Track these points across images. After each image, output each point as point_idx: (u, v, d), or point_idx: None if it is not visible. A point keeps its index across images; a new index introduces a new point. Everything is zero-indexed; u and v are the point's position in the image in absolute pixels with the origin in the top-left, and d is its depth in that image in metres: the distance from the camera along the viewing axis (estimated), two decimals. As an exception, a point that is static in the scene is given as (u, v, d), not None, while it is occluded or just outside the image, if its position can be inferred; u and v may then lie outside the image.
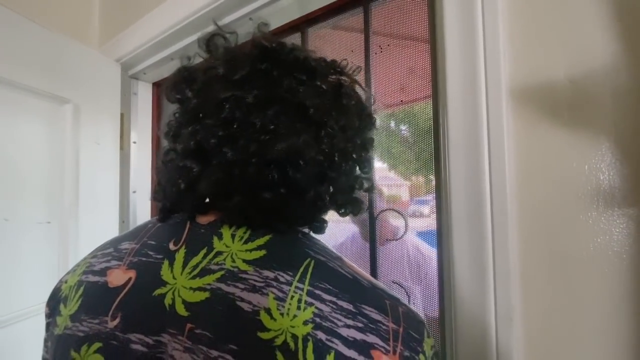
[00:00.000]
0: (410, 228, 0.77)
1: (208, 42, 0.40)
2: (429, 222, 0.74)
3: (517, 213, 0.46)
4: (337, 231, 0.92)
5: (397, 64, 0.79)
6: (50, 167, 0.97)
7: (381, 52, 0.81)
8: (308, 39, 0.95)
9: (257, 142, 0.33)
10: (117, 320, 0.32)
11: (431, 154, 0.77)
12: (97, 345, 0.31)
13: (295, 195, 0.34)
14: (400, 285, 0.80)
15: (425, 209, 0.80)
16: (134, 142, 1.30)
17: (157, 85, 1.37)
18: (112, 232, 1.18)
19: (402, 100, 0.80)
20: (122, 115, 1.24)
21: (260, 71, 0.35)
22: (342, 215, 0.40)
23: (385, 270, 0.80)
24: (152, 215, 1.36)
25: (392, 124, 0.82)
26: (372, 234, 0.79)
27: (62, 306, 0.36)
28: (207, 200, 0.37)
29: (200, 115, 0.36)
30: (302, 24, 0.93)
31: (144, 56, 1.18)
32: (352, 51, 0.87)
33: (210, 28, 0.97)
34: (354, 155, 0.38)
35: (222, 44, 0.39)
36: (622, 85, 0.41)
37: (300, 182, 0.33)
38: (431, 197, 0.71)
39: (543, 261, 0.44)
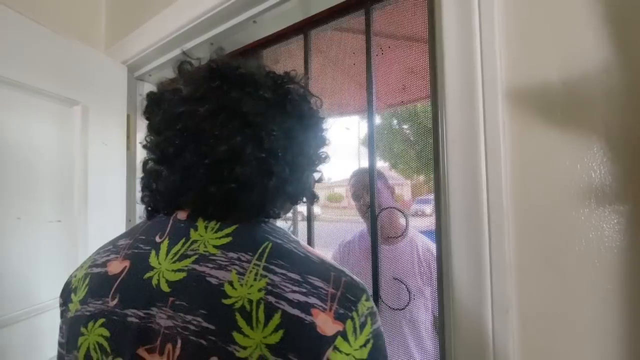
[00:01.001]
0: (412, 226, 0.79)
1: (179, 67, 0.48)
2: (430, 221, 0.76)
3: (513, 210, 0.48)
4: (347, 229, 0.94)
5: (397, 65, 0.81)
6: (60, 167, 1.00)
7: (382, 53, 0.83)
8: (311, 40, 0.97)
9: (206, 146, 0.40)
10: (116, 300, 0.39)
11: (431, 153, 0.79)
12: (101, 320, 0.39)
13: (244, 189, 0.40)
14: (401, 282, 0.82)
15: (427, 208, 0.82)
16: (140, 143, 1.33)
17: (162, 87, 1.39)
18: (119, 230, 1.21)
19: (402, 101, 0.82)
20: (128, 116, 1.27)
21: (213, 88, 0.42)
22: (293, 203, 0.48)
23: (394, 269, 0.82)
24: (157, 214, 1.39)
25: (395, 123, 0.84)
26: (373, 233, 0.81)
27: (73, 295, 0.44)
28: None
29: (163, 128, 0.43)
30: (305, 26, 0.95)
31: (150, 58, 1.20)
32: (354, 52, 0.89)
33: (216, 31, 0.99)
34: (298, 151, 0.44)
35: (188, 68, 0.47)
36: (613, 87, 0.42)
37: (245, 176, 0.40)
38: (431, 197, 0.73)
39: (537, 256, 0.46)
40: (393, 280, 0.83)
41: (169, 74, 1.35)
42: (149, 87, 1.36)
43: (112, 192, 1.18)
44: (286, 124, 0.43)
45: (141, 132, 1.33)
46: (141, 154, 1.33)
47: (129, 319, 0.38)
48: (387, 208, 0.85)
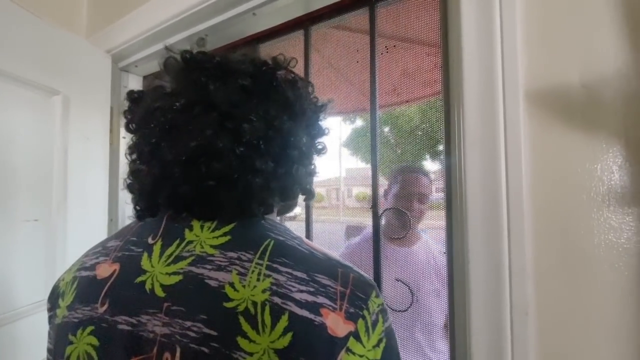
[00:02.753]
0: (419, 227, 0.78)
1: (164, 63, 0.44)
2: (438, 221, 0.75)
3: (532, 211, 0.48)
4: (355, 231, 0.93)
5: (403, 64, 0.81)
6: (38, 162, 0.92)
7: (387, 52, 0.82)
8: (312, 36, 0.94)
9: (179, 142, 0.37)
10: (106, 306, 0.37)
11: (436, 152, 0.79)
12: (90, 328, 0.37)
13: (224, 186, 0.38)
14: (403, 283, 0.81)
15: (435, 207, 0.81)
16: (124, 137, 1.25)
17: (147, 79, 1.32)
18: (100, 230, 1.13)
19: (407, 99, 0.81)
20: (111, 109, 1.19)
21: (192, 81, 0.40)
22: (285, 200, 0.44)
23: (408, 272, 0.81)
24: (141, 214, 1.32)
25: (400, 122, 0.83)
26: (376, 233, 0.80)
27: (60, 300, 0.42)
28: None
29: (139, 126, 0.42)
30: (306, 21, 0.93)
31: (136, 49, 1.14)
32: (358, 51, 0.87)
33: (213, 22, 0.95)
34: (283, 142, 0.41)
35: (172, 63, 0.43)
36: (633, 91, 0.43)
37: (221, 172, 0.37)
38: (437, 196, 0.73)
39: (557, 257, 0.46)
40: (395, 282, 0.82)
41: (157, 65, 1.29)
42: (134, 78, 1.29)
43: (94, 190, 1.11)
44: (269, 114, 0.40)
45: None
46: (125, 150, 1.26)
47: (120, 326, 0.35)
48: (389, 209, 0.84)
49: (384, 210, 0.82)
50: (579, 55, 0.46)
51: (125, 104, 0.46)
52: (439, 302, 0.79)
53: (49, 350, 0.43)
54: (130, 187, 0.43)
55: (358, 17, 0.88)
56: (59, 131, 0.97)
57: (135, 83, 1.29)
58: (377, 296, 0.36)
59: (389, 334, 0.36)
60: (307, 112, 0.45)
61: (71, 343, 0.37)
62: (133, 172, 0.42)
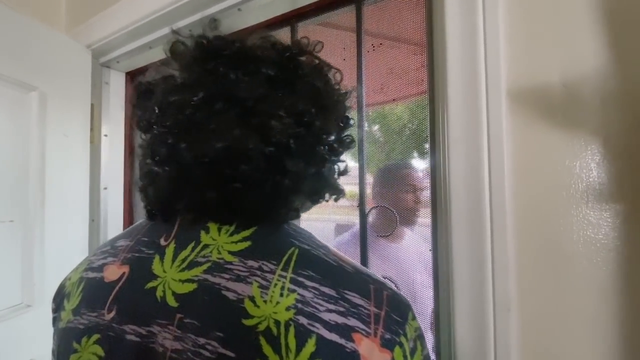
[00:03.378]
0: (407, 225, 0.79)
1: (171, 48, 0.40)
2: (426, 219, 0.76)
3: (514, 208, 0.48)
4: (340, 227, 0.92)
5: (389, 63, 0.81)
6: (13, 160, 0.88)
7: (374, 50, 0.82)
8: (298, 33, 0.93)
9: (201, 142, 0.33)
10: (113, 312, 0.34)
11: (423, 150, 0.79)
12: (95, 336, 0.34)
13: (252, 189, 0.34)
14: (391, 280, 0.81)
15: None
16: (105, 135, 1.22)
17: (130, 75, 1.29)
18: (80, 231, 1.10)
19: (394, 98, 0.81)
20: (92, 106, 1.15)
21: (208, 71, 0.35)
22: (315, 202, 0.41)
23: (395, 269, 0.81)
24: (124, 214, 1.29)
25: (388, 121, 0.84)
26: (363, 231, 0.80)
27: (65, 302, 0.39)
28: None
29: (152, 124, 0.37)
30: (293, 18, 0.92)
31: (118, 43, 1.11)
32: (344, 48, 0.87)
33: (197, 16, 0.93)
34: (315, 140, 0.37)
35: (181, 49, 0.39)
36: (612, 90, 0.44)
37: (249, 175, 0.33)
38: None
39: (538, 254, 0.47)
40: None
41: (140, 61, 1.25)
42: (116, 74, 1.25)
43: (74, 189, 1.08)
44: (298, 108, 0.35)
45: (106, 123, 1.22)
46: (106, 148, 1.22)
47: (128, 336, 0.32)
48: (376, 207, 0.84)
49: (371, 208, 0.82)
50: (560, 55, 0.47)
51: (135, 97, 0.41)
52: (426, 298, 0.80)
53: (53, 352, 0.40)
54: (143, 191, 0.39)
55: (345, 15, 0.87)
56: (35, 128, 0.93)
57: (117, 79, 1.26)
58: (413, 319, 0.33)
59: None
60: (339, 103, 0.41)
61: (75, 351, 0.34)
62: (147, 175, 0.38)
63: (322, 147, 0.38)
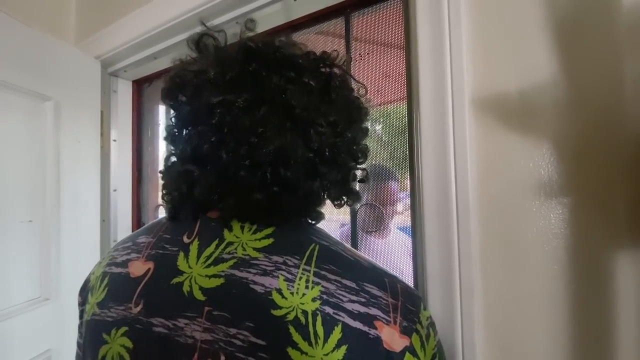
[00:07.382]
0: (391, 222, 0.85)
1: (198, 43, 0.41)
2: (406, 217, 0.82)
3: (478, 204, 0.54)
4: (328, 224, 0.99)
5: (376, 71, 0.87)
6: (31, 165, 0.96)
7: (361, 59, 0.88)
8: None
9: (247, 145, 0.35)
10: (140, 306, 0.35)
11: (405, 154, 0.86)
12: (124, 329, 0.35)
13: (287, 192, 0.36)
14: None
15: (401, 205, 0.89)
16: (114, 140, 1.30)
17: (137, 83, 1.37)
18: (93, 230, 1.18)
19: (380, 103, 0.87)
20: (102, 113, 1.23)
21: (249, 72, 0.37)
22: (338, 207, 0.43)
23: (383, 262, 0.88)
24: (132, 214, 1.36)
25: (374, 126, 0.90)
26: (354, 227, 0.86)
27: (90, 295, 0.41)
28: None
29: (193, 121, 0.38)
30: (286, 29, 0.99)
31: (125, 54, 1.18)
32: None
33: (197, 29, 1.00)
34: (346, 149, 0.40)
35: (212, 44, 0.40)
36: (561, 97, 0.50)
37: (291, 180, 0.35)
38: (405, 195, 0.80)
39: (498, 243, 0.53)
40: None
41: (146, 70, 1.33)
42: (123, 82, 1.33)
43: (86, 191, 1.15)
44: (332, 117, 0.38)
45: (115, 129, 1.30)
46: (115, 152, 1.30)
47: (156, 329, 0.34)
48: (364, 205, 0.90)
49: (360, 206, 0.88)
50: (515, 66, 0.53)
51: (166, 89, 0.41)
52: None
53: (78, 345, 0.43)
54: (174, 188, 0.40)
55: (334, 25, 0.94)
56: (51, 135, 1.01)
57: (124, 87, 1.34)
58: (425, 308, 0.36)
59: (440, 349, 0.36)
60: (363, 116, 0.44)
61: (106, 342, 0.36)
62: (180, 174, 0.38)
63: (350, 156, 0.41)
